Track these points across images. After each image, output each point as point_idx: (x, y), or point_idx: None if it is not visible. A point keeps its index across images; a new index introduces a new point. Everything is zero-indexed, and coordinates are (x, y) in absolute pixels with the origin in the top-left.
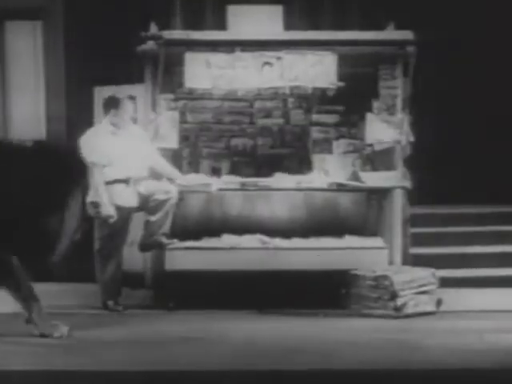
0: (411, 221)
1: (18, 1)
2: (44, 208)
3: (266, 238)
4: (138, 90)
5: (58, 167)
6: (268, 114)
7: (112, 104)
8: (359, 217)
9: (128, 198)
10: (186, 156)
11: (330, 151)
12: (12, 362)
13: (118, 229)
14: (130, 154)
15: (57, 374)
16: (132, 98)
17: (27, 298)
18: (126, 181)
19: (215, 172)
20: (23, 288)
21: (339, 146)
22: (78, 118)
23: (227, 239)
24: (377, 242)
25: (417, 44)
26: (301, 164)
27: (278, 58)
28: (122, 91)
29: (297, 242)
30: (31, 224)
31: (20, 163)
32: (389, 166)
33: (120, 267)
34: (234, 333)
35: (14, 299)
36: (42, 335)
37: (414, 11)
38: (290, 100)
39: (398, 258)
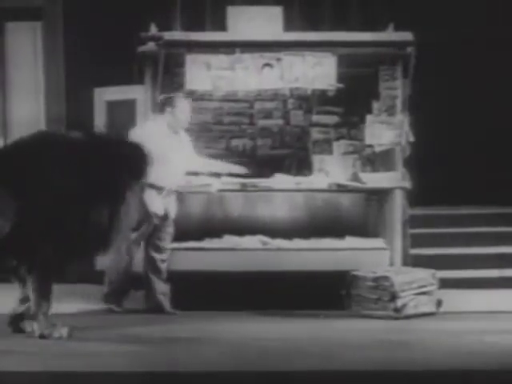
0: (411, 222)
1: (18, 1)
2: (99, 202)
3: (266, 239)
4: (138, 90)
5: (117, 162)
6: (268, 115)
7: (168, 104)
8: (359, 218)
9: (158, 206)
10: None
11: (330, 152)
12: (12, 363)
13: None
14: (175, 161)
15: (57, 375)
16: (186, 97)
17: (42, 296)
18: (160, 189)
19: (215, 172)
20: (46, 285)
21: (339, 146)
22: (78, 118)
23: (228, 240)
24: (377, 242)
25: (416, 45)
26: (301, 165)
27: (278, 60)
28: (120, 91)
29: (298, 242)
30: (84, 217)
31: (79, 156)
32: (389, 167)
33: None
34: (234, 333)
35: (31, 291)
36: (41, 336)
37: (414, 11)
38: (290, 101)
39: (398, 258)
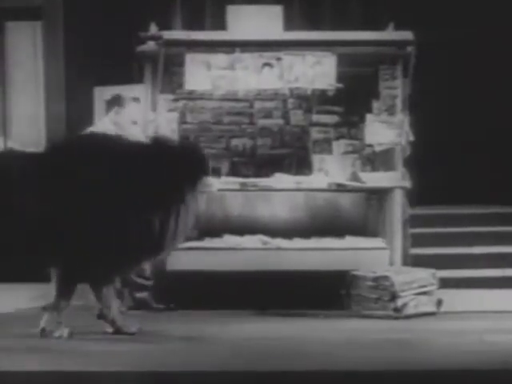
0: (411, 221)
1: (17, 1)
2: (157, 204)
3: (267, 239)
4: (137, 90)
5: (175, 164)
6: (268, 115)
7: (116, 102)
8: (359, 217)
9: None
10: None
11: (329, 152)
12: (12, 362)
13: None
14: None
15: (56, 375)
16: (136, 99)
17: (63, 295)
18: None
19: (215, 172)
20: (69, 285)
21: (339, 146)
22: (78, 118)
23: (228, 239)
24: (377, 242)
25: (416, 44)
26: (301, 164)
27: (278, 59)
28: (123, 91)
29: (298, 242)
30: (141, 219)
31: (137, 159)
32: (389, 167)
33: None
34: (234, 333)
35: (55, 283)
36: (43, 331)
37: (414, 11)
38: (290, 100)
39: (398, 258)
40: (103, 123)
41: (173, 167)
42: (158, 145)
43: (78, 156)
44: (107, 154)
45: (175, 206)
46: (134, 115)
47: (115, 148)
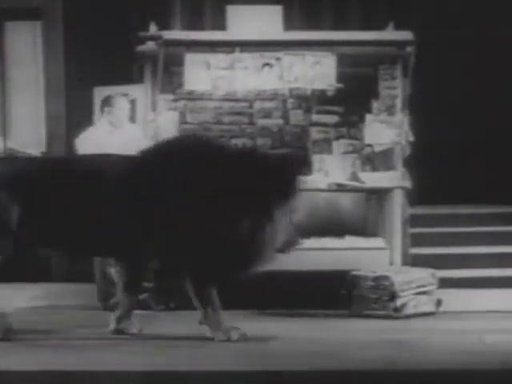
0: (411, 221)
1: (17, 1)
2: (244, 218)
3: None
4: (137, 90)
5: (265, 177)
6: (268, 115)
7: (105, 104)
8: (359, 217)
9: None
10: None
11: (329, 151)
12: (12, 362)
13: None
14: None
15: (56, 374)
16: (125, 95)
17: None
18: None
19: None
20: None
21: (339, 146)
22: (78, 118)
23: None
24: (377, 242)
25: (416, 44)
26: None
27: (278, 59)
28: (120, 91)
29: None
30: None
31: (226, 170)
32: (389, 167)
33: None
34: None
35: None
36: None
37: (414, 11)
38: (290, 100)
39: (397, 258)
40: (101, 125)
41: (262, 181)
42: (250, 155)
43: (173, 159)
44: (200, 157)
45: (263, 221)
46: (125, 109)
47: (208, 152)
